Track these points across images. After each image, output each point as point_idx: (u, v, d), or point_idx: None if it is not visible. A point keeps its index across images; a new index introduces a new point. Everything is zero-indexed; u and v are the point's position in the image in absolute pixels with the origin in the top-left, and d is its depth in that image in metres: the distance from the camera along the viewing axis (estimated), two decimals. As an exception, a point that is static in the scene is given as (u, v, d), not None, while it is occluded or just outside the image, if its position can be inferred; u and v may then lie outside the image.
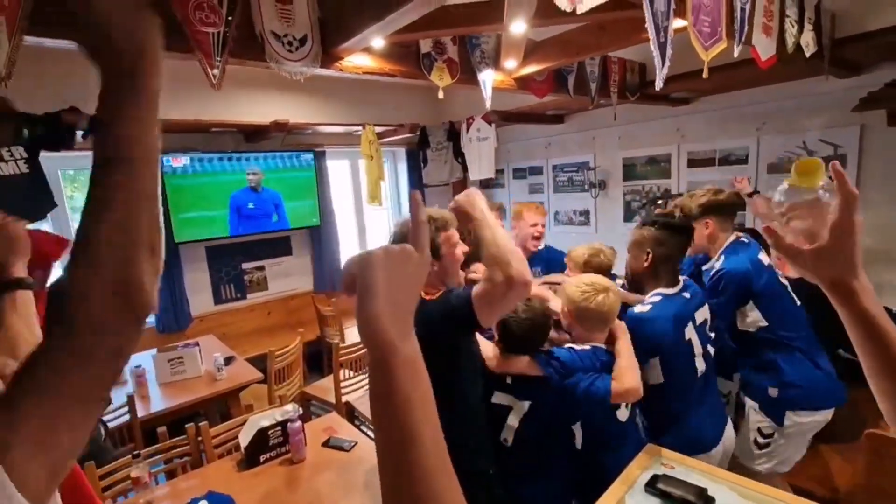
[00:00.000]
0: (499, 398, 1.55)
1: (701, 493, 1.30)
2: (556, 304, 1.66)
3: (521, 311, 1.50)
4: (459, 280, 1.46)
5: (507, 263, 1.14)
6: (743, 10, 1.51)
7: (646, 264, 1.67)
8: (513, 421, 1.52)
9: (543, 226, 2.58)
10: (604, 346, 1.58)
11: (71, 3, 0.50)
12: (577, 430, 1.55)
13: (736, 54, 1.54)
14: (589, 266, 1.89)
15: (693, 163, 3.82)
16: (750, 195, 2.77)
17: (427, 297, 1.32)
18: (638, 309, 1.63)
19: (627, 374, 1.46)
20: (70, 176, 3.85)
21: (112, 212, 0.46)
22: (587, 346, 1.55)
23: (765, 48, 1.73)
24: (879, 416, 1.65)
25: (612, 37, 1.96)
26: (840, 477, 2.03)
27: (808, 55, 2.04)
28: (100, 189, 0.47)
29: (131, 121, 0.48)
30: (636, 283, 1.75)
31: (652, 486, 1.34)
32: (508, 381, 1.54)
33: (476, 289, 1.22)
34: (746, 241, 1.97)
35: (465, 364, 1.38)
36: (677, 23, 1.27)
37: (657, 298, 1.64)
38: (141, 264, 0.49)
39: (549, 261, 2.61)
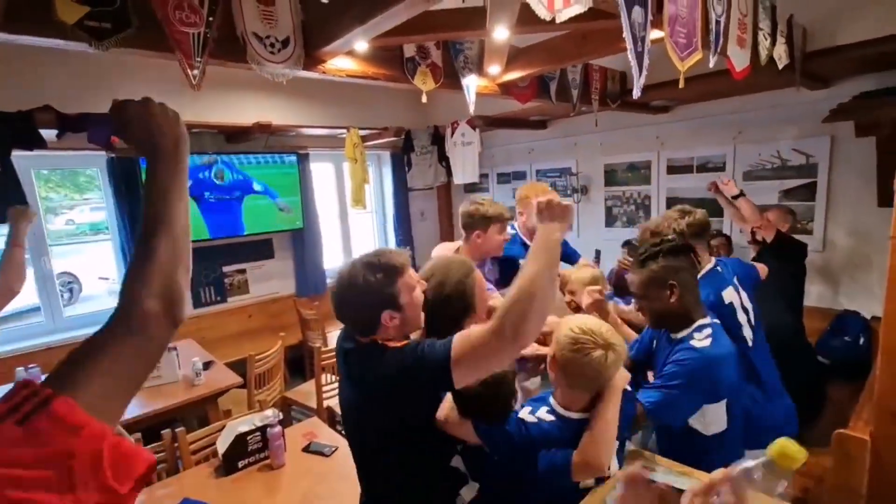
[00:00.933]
0: (457, 463, 1.27)
1: (680, 494, 1.31)
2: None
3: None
4: (420, 324, 1.23)
5: (524, 316, 0.92)
6: (718, 22, 1.55)
7: (673, 300, 1.40)
8: (466, 496, 1.25)
9: None
10: (577, 415, 1.23)
11: (127, 114, 0.72)
12: None
13: (711, 65, 1.59)
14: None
15: (672, 170, 3.91)
16: (735, 197, 2.79)
17: (397, 345, 1.12)
18: (699, 343, 1.37)
19: (597, 447, 1.15)
20: (44, 175, 3.74)
21: (162, 248, 0.64)
22: (552, 417, 1.23)
23: (739, 59, 1.78)
24: (850, 415, 1.69)
25: (594, 45, 2.00)
26: (810, 477, 2.08)
27: (780, 67, 2.10)
28: (154, 234, 0.64)
29: (176, 189, 0.69)
30: (668, 327, 1.49)
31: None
32: (459, 446, 1.26)
33: (459, 341, 0.99)
34: (720, 269, 1.81)
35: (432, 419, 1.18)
36: (654, 33, 1.30)
37: (709, 330, 1.41)
38: (179, 280, 0.64)
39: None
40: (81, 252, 7.04)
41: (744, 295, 1.80)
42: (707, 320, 1.45)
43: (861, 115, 2.73)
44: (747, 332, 1.75)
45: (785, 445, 0.64)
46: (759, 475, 0.61)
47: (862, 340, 2.84)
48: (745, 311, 1.78)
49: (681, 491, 1.29)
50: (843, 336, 2.93)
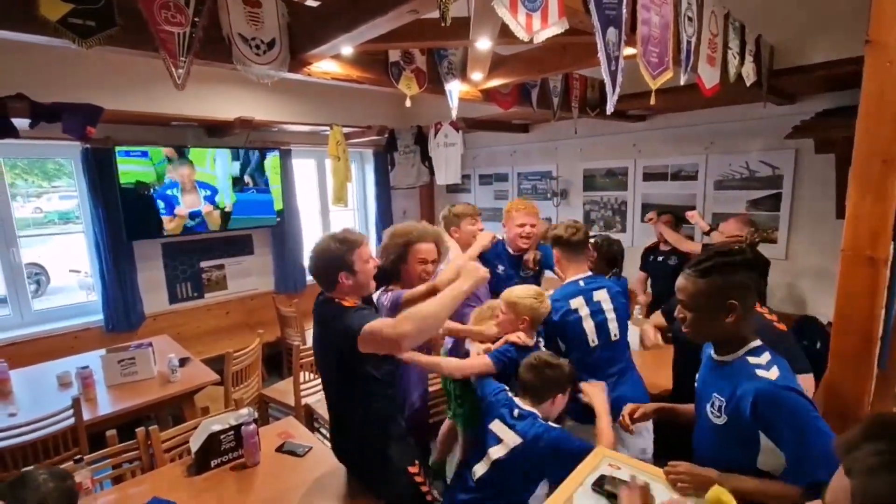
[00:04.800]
0: (496, 427, 1.67)
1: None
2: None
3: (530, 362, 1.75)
4: (371, 290, 1.66)
5: (417, 328, 1.33)
6: (689, 42, 1.63)
7: (730, 319, 1.24)
8: (495, 452, 1.63)
9: (533, 225, 2.58)
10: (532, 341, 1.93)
11: None
12: (544, 485, 1.64)
13: (682, 82, 1.67)
14: (534, 314, 1.93)
15: (648, 176, 4.03)
16: (708, 232, 2.84)
17: (347, 304, 1.54)
18: (766, 374, 1.21)
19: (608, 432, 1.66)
20: (10, 162, 3.63)
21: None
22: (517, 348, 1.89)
23: (709, 77, 1.87)
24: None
25: (573, 58, 2.06)
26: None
27: (748, 84, 2.21)
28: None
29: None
30: (718, 346, 1.34)
31: (598, 485, 1.41)
32: (516, 413, 1.66)
33: (373, 325, 1.37)
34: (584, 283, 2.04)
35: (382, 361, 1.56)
36: (628, 51, 1.37)
37: (768, 355, 1.27)
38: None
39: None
40: (50, 242, 6.82)
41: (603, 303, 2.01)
42: (758, 341, 1.30)
43: (819, 134, 2.87)
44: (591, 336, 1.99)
45: (720, 494, 0.78)
46: None
47: (819, 345, 2.99)
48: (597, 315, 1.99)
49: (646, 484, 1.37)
50: (801, 340, 3.07)
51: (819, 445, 1.11)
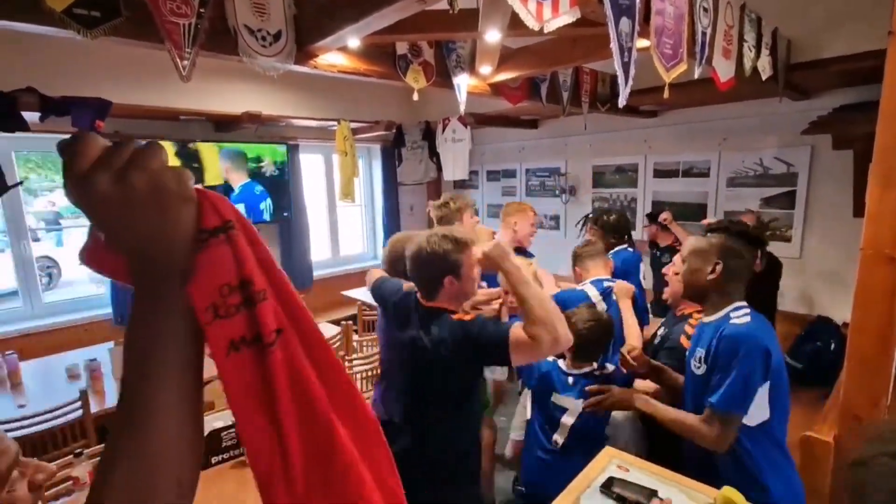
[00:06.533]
0: (557, 399, 1.71)
1: (652, 494, 1.35)
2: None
3: (585, 319, 1.68)
4: (474, 292, 1.50)
5: (555, 327, 1.20)
6: (704, 33, 1.59)
7: (710, 277, 1.40)
8: (567, 420, 1.67)
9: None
10: None
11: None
12: None
13: (696, 75, 1.63)
14: None
15: (658, 173, 3.97)
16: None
17: (462, 318, 1.35)
18: (739, 321, 1.35)
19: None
20: (24, 156, 3.67)
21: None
22: None
23: (724, 70, 1.82)
24: (814, 419, 1.74)
25: (584, 50, 2.02)
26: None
27: (763, 78, 2.16)
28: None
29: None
30: (696, 297, 1.50)
31: (607, 487, 1.38)
32: (570, 381, 1.69)
33: (516, 335, 1.24)
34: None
35: (479, 383, 1.52)
36: (641, 42, 1.33)
37: (747, 310, 1.39)
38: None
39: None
40: (62, 236, 6.90)
41: None
42: (744, 302, 1.41)
43: (837, 129, 2.80)
44: None
45: (730, 495, 0.78)
46: None
47: (833, 346, 2.94)
48: None
49: (654, 492, 1.34)
50: (815, 341, 3.01)
51: (739, 385, 1.28)
